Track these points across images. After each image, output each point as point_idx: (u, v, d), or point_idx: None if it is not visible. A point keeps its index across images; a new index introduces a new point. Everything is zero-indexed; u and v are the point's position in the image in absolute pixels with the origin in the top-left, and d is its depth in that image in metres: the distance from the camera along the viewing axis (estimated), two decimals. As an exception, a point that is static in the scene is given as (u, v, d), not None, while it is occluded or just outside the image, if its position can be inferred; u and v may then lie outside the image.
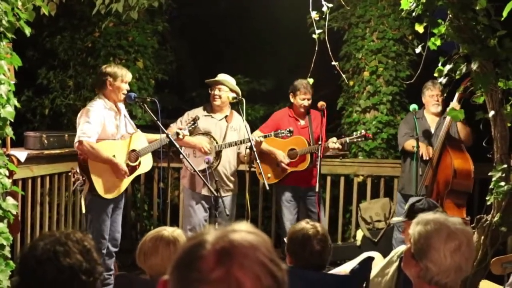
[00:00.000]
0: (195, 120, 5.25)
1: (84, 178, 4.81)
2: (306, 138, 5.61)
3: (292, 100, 5.74)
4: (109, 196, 4.85)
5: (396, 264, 3.87)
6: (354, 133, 5.64)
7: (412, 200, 4.06)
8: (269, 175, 5.73)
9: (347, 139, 5.50)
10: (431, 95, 5.67)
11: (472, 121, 4.18)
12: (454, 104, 4.95)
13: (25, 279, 1.96)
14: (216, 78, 5.48)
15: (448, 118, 5.21)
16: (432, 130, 5.67)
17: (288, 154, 5.65)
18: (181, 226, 6.17)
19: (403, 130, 5.77)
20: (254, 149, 5.07)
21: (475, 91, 4.05)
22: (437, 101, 5.64)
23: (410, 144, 5.59)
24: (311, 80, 5.53)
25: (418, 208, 3.75)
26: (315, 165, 5.37)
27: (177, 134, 5.07)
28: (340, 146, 5.49)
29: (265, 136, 5.47)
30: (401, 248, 4.10)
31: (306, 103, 5.67)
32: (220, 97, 5.46)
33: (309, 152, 5.54)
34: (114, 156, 4.83)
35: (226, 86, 5.46)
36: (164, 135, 4.84)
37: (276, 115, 5.93)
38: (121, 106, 5.09)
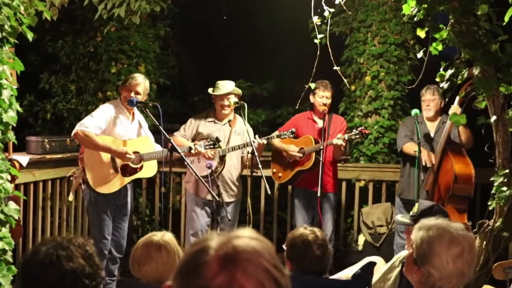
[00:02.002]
0: (215, 142, 5.19)
1: (80, 170, 4.86)
2: (318, 138, 5.61)
3: (312, 100, 5.78)
4: (102, 190, 4.86)
5: (398, 269, 3.87)
6: (354, 130, 5.65)
7: (424, 205, 4.02)
8: (280, 174, 5.81)
9: (346, 136, 5.50)
10: (423, 100, 5.74)
11: (473, 126, 4.19)
12: (455, 108, 4.96)
13: (27, 284, 1.96)
14: (226, 90, 5.42)
15: (448, 123, 5.22)
16: (432, 135, 5.69)
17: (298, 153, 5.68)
18: (184, 231, 6.18)
19: (402, 132, 5.79)
20: (256, 153, 5.08)
21: (477, 96, 4.05)
22: (428, 105, 5.68)
23: (409, 147, 5.61)
24: (312, 85, 5.54)
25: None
26: (323, 167, 5.38)
27: (190, 148, 5.09)
28: (344, 143, 5.50)
29: (267, 139, 5.48)
30: (403, 253, 4.09)
31: (325, 101, 5.67)
32: (229, 106, 5.45)
33: (315, 150, 5.55)
34: None
35: (233, 94, 5.45)
36: (166, 142, 4.84)
37: (296, 117, 6.02)
38: (136, 112, 5.12)
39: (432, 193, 5.30)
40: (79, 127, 4.74)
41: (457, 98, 4.94)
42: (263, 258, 1.17)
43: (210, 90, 5.50)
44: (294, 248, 3.12)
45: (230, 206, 5.38)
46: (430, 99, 5.67)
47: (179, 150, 4.77)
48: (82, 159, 4.83)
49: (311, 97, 5.76)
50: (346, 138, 5.52)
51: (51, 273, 1.89)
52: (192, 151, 5.09)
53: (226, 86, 5.43)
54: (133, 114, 5.07)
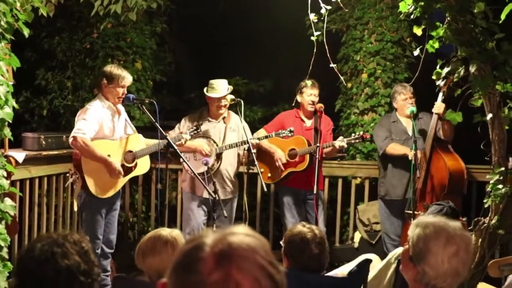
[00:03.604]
0: (197, 126, 5.22)
1: (77, 176, 4.83)
2: (309, 139, 5.59)
3: (299, 99, 5.73)
4: (101, 195, 4.85)
5: (394, 266, 3.88)
6: (352, 134, 5.65)
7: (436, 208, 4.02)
8: (269, 174, 5.75)
9: (345, 140, 5.50)
10: (404, 99, 5.67)
11: (469, 123, 4.19)
12: (439, 105, 5.03)
13: (23, 281, 1.96)
14: (222, 93, 5.38)
15: (433, 120, 5.23)
16: (409, 132, 5.65)
17: (288, 154, 5.64)
18: (180, 229, 6.17)
19: (382, 134, 5.74)
20: (253, 150, 5.07)
21: (473, 94, 4.06)
22: (412, 103, 5.64)
23: (393, 148, 5.60)
24: (309, 82, 5.54)
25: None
26: (315, 167, 5.35)
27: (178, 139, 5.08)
28: (346, 145, 5.49)
29: (266, 137, 5.47)
30: (399, 250, 4.10)
31: (314, 98, 5.64)
32: (225, 106, 5.45)
33: (308, 153, 5.53)
34: (109, 155, 4.83)
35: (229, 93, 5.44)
36: (162, 139, 4.84)
37: (282, 115, 5.97)
38: (121, 107, 5.09)
39: (423, 192, 5.27)
40: (77, 134, 4.68)
41: (440, 94, 4.97)
42: (258, 255, 1.17)
43: (205, 90, 5.47)
44: (292, 245, 3.12)
45: (226, 203, 5.37)
46: (411, 96, 5.66)
47: (176, 147, 4.77)
48: (80, 167, 4.77)
49: (298, 97, 5.73)
50: (346, 142, 5.50)
51: (46, 270, 1.89)
52: (182, 142, 5.07)
53: (221, 87, 5.39)
54: (117, 109, 5.05)
